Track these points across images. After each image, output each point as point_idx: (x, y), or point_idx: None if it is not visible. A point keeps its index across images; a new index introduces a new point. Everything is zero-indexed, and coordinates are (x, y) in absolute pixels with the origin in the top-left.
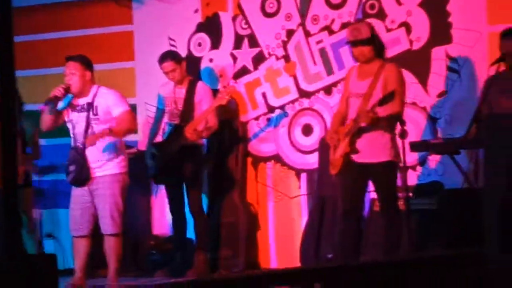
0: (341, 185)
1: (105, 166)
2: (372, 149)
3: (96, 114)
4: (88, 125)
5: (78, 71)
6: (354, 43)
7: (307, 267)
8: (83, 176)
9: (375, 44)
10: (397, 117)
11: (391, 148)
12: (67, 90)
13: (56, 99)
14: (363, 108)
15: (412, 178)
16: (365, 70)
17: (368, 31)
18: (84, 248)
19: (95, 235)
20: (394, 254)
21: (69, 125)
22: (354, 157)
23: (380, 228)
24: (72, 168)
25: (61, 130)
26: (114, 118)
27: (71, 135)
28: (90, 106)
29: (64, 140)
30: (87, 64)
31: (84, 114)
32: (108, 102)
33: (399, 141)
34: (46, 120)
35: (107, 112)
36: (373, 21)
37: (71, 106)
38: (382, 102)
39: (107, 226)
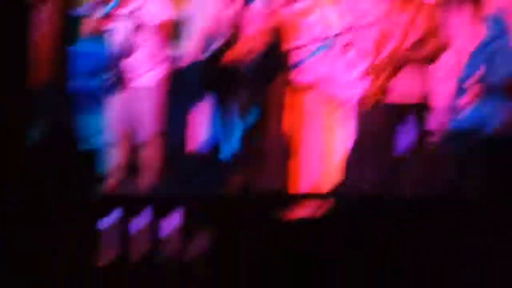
0: (370, 124)
1: (144, 75)
2: (403, 89)
3: (142, 24)
4: (131, 33)
5: None
6: None
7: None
8: (123, 83)
9: None
10: (434, 59)
11: (422, 89)
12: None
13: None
14: (399, 48)
15: (450, 122)
16: (405, 4)
17: None
18: (120, 155)
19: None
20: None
21: (108, 33)
22: (385, 97)
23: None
24: (111, 75)
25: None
26: (154, 27)
27: (110, 43)
28: (135, 15)
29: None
30: None
31: (127, 22)
32: (151, 13)
33: (438, 83)
34: (92, 23)
35: (149, 23)
36: None
37: (112, 14)
38: (433, 57)
39: (144, 132)
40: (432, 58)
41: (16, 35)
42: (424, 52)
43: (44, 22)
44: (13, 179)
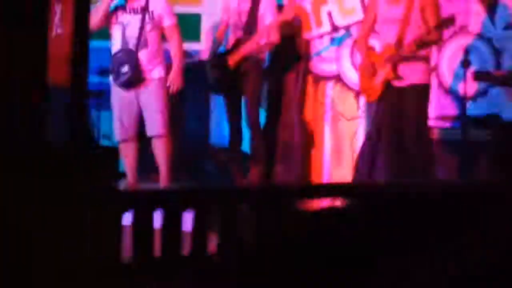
0: (382, 111)
1: (154, 70)
2: (411, 73)
3: (152, 18)
4: (142, 27)
5: None
6: None
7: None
8: (136, 77)
9: None
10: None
11: (428, 71)
12: None
13: None
14: (403, 35)
15: (470, 109)
16: None
17: None
18: (132, 151)
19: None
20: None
21: (117, 27)
22: (395, 82)
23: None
24: (124, 69)
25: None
26: (164, 27)
27: (119, 38)
28: (145, 10)
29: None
30: None
31: (138, 16)
32: (159, 10)
33: (459, 70)
34: (100, 17)
35: (159, 19)
36: None
37: (122, 8)
38: (441, 27)
39: (155, 127)
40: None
41: (34, 32)
42: (434, 37)
43: (62, 18)
44: (33, 178)
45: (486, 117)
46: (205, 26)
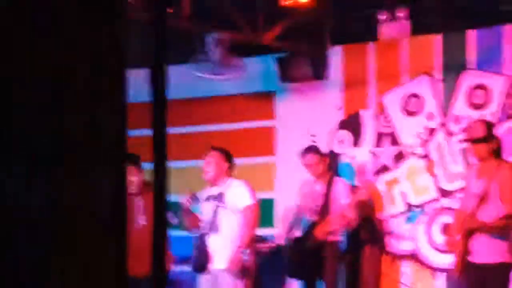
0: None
1: (224, 257)
2: (484, 249)
3: (223, 202)
4: (215, 213)
5: (216, 160)
6: (469, 141)
7: None
8: (203, 262)
9: (491, 143)
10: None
11: (506, 250)
12: (193, 197)
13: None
14: (475, 209)
15: None
16: (483, 169)
17: (483, 129)
18: None
19: None
20: None
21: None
22: (469, 258)
23: None
24: (195, 254)
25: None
26: (239, 210)
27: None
28: (221, 195)
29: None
30: (227, 155)
31: (214, 203)
32: (236, 193)
33: None
34: (193, 218)
35: (234, 203)
36: None
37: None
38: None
39: None
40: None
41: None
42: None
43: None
44: None
45: None
46: (278, 210)
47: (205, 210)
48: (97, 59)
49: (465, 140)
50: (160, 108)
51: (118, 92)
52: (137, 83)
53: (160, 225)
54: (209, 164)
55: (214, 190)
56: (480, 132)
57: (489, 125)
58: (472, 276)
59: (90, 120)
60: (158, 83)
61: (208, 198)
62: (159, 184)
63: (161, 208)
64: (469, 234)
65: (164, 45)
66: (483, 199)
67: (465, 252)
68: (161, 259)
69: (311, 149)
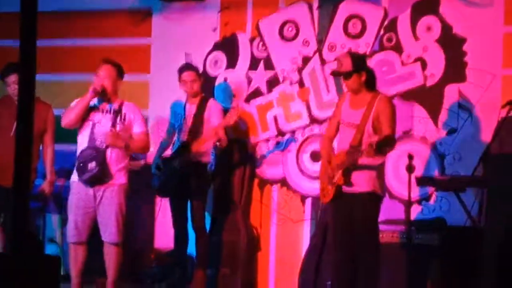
0: (333, 214)
1: (116, 174)
2: (359, 179)
3: (124, 120)
4: (113, 126)
5: (110, 73)
6: (335, 74)
7: None
8: (103, 174)
9: (361, 75)
10: (389, 151)
11: (376, 178)
12: (102, 90)
13: (96, 94)
14: (356, 142)
15: (416, 213)
16: (357, 100)
17: (349, 64)
18: (82, 254)
19: (95, 243)
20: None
21: (87, 125)
22: (345, 188)
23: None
24: (91, 165)
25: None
26: (133, 134)
27: (88, 135)
28: (118, 112)
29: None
30: (121, 73)
31: (109, 116)
32: (132, 116)
33: (404, 174)
34: (78, 115)
35: (129, 125)
36: (389, 53)
37: (94, 108)
38: (381, 145)
39: (111, 235)
40: (388, 151)
41: None
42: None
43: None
44: None
45: (432, 221)
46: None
47: (98, 122)
48: None
49: (333, 74)
50: (29, 19)
51: None
52: None
53: (23, 138)
54: (106, 79)
55: (107, 106)
56: (348, 66)
57: (358, 58)
58: (340, 204)
59: None
60: None
61: (101, 111)
62: (25, 98)
63: (26, 122)
64: (345, 167)
65: None
66: (360, 132)
67: (343, 183)
68: (23, 173)
69: (190, 66)
